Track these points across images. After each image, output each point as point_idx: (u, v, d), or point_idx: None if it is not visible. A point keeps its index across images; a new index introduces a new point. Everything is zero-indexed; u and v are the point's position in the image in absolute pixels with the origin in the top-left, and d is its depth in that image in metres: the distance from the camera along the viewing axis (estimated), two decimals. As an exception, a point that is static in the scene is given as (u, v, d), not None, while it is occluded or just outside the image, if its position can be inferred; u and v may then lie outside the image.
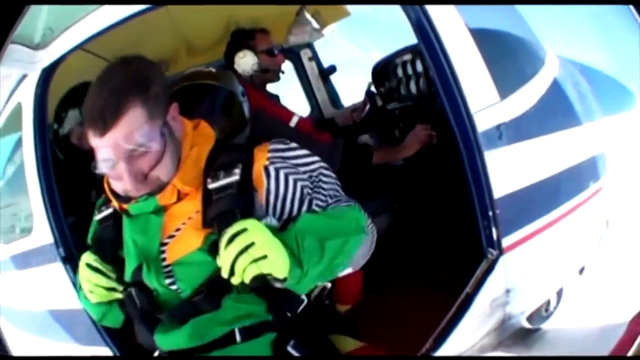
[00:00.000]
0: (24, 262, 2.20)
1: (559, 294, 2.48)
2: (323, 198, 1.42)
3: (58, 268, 2.05)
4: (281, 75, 2.59)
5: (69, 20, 1.90)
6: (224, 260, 1.22)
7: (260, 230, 1.23)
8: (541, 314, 2.43)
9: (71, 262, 2.00)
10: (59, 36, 1.92)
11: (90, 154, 1.60)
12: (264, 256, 1.20)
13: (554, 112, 2.14)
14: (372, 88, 2.73)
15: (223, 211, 1.33)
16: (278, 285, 1.25)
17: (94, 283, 1.43)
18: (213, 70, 2.17)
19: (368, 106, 2.74)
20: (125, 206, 1.43)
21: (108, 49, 2.26)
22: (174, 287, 1.39)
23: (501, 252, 1.87)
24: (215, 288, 1.35)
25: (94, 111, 1.29)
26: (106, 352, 2.04)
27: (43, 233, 2.06)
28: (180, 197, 1.40)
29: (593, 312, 2.15)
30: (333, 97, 3.45)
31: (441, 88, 1.75)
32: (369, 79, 2.73)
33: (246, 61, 2.43)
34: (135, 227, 1.44)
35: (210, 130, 1.51)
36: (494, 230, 1.83)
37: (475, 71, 1.81)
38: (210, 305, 1.36)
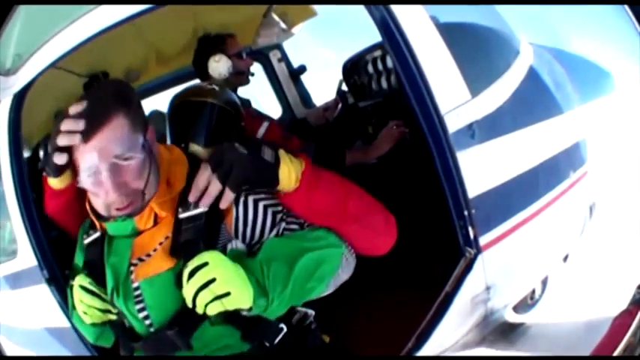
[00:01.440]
0: (14, 282, 2.19)
1: (544, 282, 2.45)
2: (296, 221, 1.39)
3: (45, 289, 2.03)
4: (250, 78, 2.58)
5: (36, 44, 1.85)
6: (186, 294, 1.21)
7: (221, 265, 1.21)
8: (526, 303, 2.40)
9: (56, 283, 1.98)
10: (27, 60, 1.88)
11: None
12: (227, 293, 1.18)
13: (530, 105, 2.09)
14: (344, 87, 2.67)
15: (188, 240, 1.33)
16: (244, 313, 1.23)
17: (88, 305, 1.43)
18: (208, 86, 2.15)
19: (340, 105, 2.68)
20: (104, 225, 1.42)
21: (78, 64, 2.21)
22: (143, 314, 1.38)
23: (479, 250, 1.83)
24: (186, 320, 1.32)
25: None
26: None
27: (27, 256, 2.03)
28: (156, 222, 1.39)
29: (578, 305, 2.11)
30: (305, 97, 3.40)
31: (409, 89, 1.70)
32: (340, 77, 2.67)
33: (221, 65, 2.40)
34: (109, 250, 1.45)
35: (183, 157, 1.48)
36: (470, 230, 1.78)
37: (444, 70, 1.75)
38: (182, 341, 1.32)
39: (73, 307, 1.50)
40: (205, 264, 1.20)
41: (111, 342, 1.55)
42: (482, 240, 1.84)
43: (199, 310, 1.20)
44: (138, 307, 1.38)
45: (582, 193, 2.35)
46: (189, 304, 1.21)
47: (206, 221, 1.34)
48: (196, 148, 1.97)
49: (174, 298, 1.30)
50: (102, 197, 1.31)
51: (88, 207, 1.44)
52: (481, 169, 1.81)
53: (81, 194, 1.47)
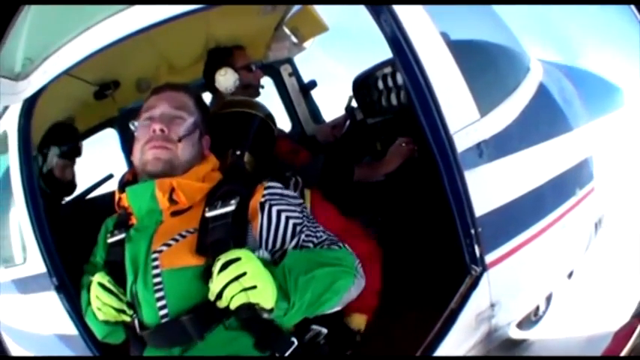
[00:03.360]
0: (24, 287, 2.17)
1: (548, 299, 2.41)
2: (312, 234, 1.45)
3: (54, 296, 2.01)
4: (260, 90, 2.54)
5: (48, 49, 1.83)
6: (215, 285, 1.26)
7: (252, 261, 1.27)
8: (530, 319, 2.36)
9: (64, 291, 1.96)
10: (39, 66, 1.85)
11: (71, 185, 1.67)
12: (254, 287, 1.23)
13: (538, 123, 2.04)
14: (353, 103, 2.64)
15: (218, 239, 1.37)
16: (265, 315, 1.27)
17: (104, 302, 1.44)
18: (249, 99, 2.17)
19: (348, 122, 2.65)
20: (124, 198, 1.51)
21: (90, 72, 2.19)
22: (161, 303, 1.39)
23: (485, 268, 1.79)
24: (204, 312, 1.34)
25: (159, 85, 1.65)
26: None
27: (36, 262, 2.02)
28: (169, 200, 1.46)
29: (580, 321, 2.07)
30: (314, 112, 3.35)
31: (418, 107, 1.66)
32: (350, 92, 2.64)
33: (227, 79, 2.37)
34: (129, 244, 1.49)
35: (217, 168, 1.62)
36: (476, 248, 1.75)
37: (454, 88, 1.72)
38: (195, 329, 1.34)
39: (88, 304, 1.51)
40: (238, 259, 1.26)
41: (118, 340, 1.56)
42: (488, 258, 1.80)
43: (224, 301, 1.25)
44: (157, 295, 1.39)
45: (589, 209, 2.30)
46: (213, 294, 1.26)
47: (234, 219, 1.40)
48: (247, 155, 1.93)
49: (196, 293, 1.34)
50: (147, 133, 1.49)
51: (117, 189, 1.56)
52: (488, 188, 1.77)
53: None
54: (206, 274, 1.31)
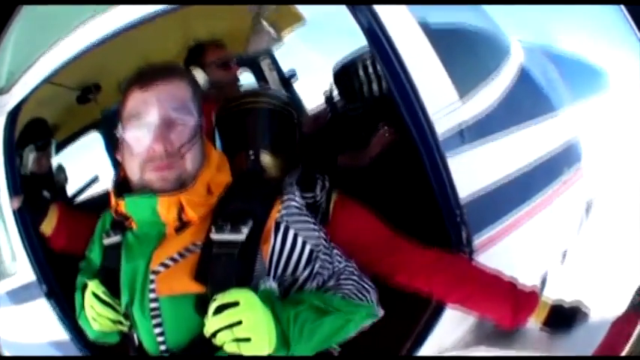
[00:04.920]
0: (17, 298, 2.14)
1: (543, 281, 2.34)
2: (328, 261, 1.29)
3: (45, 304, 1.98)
4: (239, 86, 2.39)
5: (28, 61, 1.80)
6: (208, 327, 1.12)
7: (251, 309, 1.09)
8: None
9: (55, 297, 1.92)
10: (20, 78, 1.83)
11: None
12: (247, 339, 1.09)
13: (521, 105, 1.99)
14: (334, 92, 2.57)
15: (219, 275, 1.17)
16: None
17: (99, 313, 1.31)
18: (258, 89, 1.97)
19: (330, 113, 2.59)
20: (122, 205, 1.27)
21: (69, 77, 2.15)
22: (158, 331, 1.23)
23: (473, 252, 1.73)
24: (202, 347, 1.18)
25: (142, 71, 1.26)
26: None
27: (26, 271, 1.98)
28: (180, 218, 1.24)
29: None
30: (296, 104, 3.26)
31: (396, 94, 1.61)
32: (330, 82, 2.58)
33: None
34: (126, 256, 1.30)
35: (227, 166, 1.36)
36: (463, 232, 1.69)
37: (431, 73, 1.66)
38: None
39: (82, 307, 1.37)
40: (236, 303, 1.10)
41: (114, 340, 1.43)
42: (476, 242, 1.74)
43: (216, 343, 1.12)
44: (154, 321, 1.23)
45: (578, 191, 2.24)
46: (207, 334, 1.12)
47: (241, 251, 1.19)
48: (264, 157, 1.68)
49: (196, 323, 1.16)
50: (143, 150, 1.21)
51: (112, 189, 1.31)
52: (472, 172, 1.71)
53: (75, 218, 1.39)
54: (203, 306, 1.15)
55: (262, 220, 1.22)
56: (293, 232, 1.24)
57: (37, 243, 1.92)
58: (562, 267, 2.17)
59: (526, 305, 1.65)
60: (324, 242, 1.31)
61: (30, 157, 2.16)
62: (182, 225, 1.25)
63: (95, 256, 1.42)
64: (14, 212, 1.91)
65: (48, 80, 1.85)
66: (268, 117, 1.73)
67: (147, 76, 1.24)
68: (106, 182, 2.55)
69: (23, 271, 2.01)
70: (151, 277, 1.22)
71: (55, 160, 2.34)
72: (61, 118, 2.41)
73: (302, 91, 3.17)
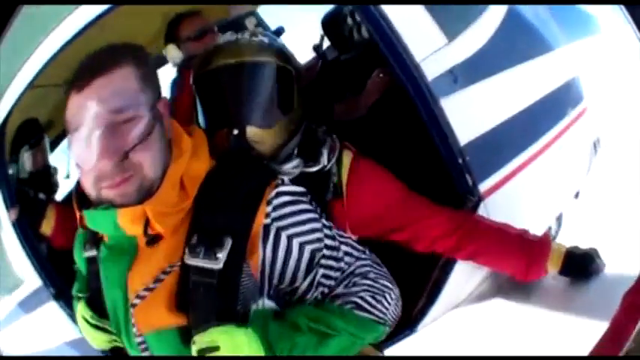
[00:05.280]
0: (27, 307, 2.12)
1: (559, 219, 2.27)
2: (334, 264, 1.08)
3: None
4: None
5: (11, 73, 1.78)
6: None
7: (234, 350, 0.95)
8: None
9: (63, 297, 1.90)
10: (5, 92, 1.80)
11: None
12: None
13: (514, 44, 1.90)
14: (325, 42, 2.47)
15: (198, 308, 0.99)
16: None
17: (93, 337, 1.20)
18: (247, 38, 1.44)
19: (320, 62, 2.50)
20: (84, 220, 1.09)
21: (54, 75, 2.11)
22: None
23: (480, 198, 1.66)
24: None
25: (81, 66, 1.01)
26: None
27: (32, 277, 1.97)
28: (146, 233, 1.03)
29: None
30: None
31: (379, 40, 1.54)
32: (320, 33, 2.48)
33: (171, 57, 2.10)
34: (103, 276, 1.11)
35: (205, 145, 1.11)
36: (468, 178, 1.62)
37: (413, 16, 1.59)
38: None
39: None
40: (216, 348, 0.95)
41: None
42: (483, 187, 1.67)
43: None
44: (145, 353, 1.08)
45: (584, 130, 2.17)
46: None
47: (220, 281, 0.98)
48: (251, 131, 1.35)
49: (189, 351, 1.00)
50: (90, 168, 0.98)
51: (74, 194, 1.11)
52: (470, 114, 1.64)
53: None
54: (188, 339, 0.99)
55: (245, 231, 1.00)
56: (286, 237, 1.03)
57: (38, 248, 1.90)
58: (577, 202, 2.10)
59: (539, 255, 1.55)
60: (327, 240, 1.08)
61: (25, 157, 2.14)
62: (154, 237, 1.04)
63: (80, 265, 1.25)
64: (13, 225, 1.90)
65: (31, 85, 1.81)
66: (253, 76, 1.37)
67: (83, 72, 1.00)
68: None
69: (29, 279, 1.99)
70: (131, 310, 1.06)
71: (53, 158, 2.30)
72: (53, 114, 2.36)
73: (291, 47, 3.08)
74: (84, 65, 1.02)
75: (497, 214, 1.72)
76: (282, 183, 1.08)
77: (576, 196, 2.15)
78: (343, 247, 1.12)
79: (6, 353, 1.64)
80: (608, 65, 2.43)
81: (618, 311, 1.17)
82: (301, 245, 1.04)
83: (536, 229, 2.07)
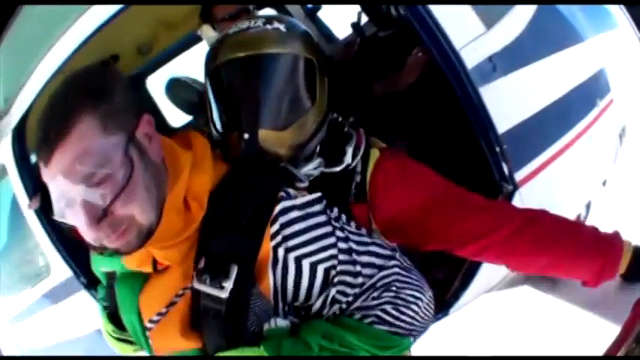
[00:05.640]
0: (55, 297, 2.13)
1: (587, 206, 2.27)
2: (350, 279, 0.98)
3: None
4: None
5: (20, 80, 1.75)
6: None
7: None
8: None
9: (94, 286, 1.89)
10: (16, 98, 1.79)
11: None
12: None
13: (548, 33, 1.89)
14: (363, 18, 2.42)
15: (209, 333, 0.97)
16: None
17: (120, 347, 1.21)
18: (273, 28, 1.21)
19: (359, 39, 2.45)
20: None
21: (86, 58, 2.07)
22: None
23: (516, 186, 1.66)
24: None
25: (40, 132, 0.90)
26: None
27: (61, 269, 1.98)
28: (156, 269, 1.00)
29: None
30: (326, 34, 3.02)
31: (419, 28, 1.53)
32: (358, 10, 2.41)
33: (207, 37, 2.00)
34: (119, 297, 1.09)
35: (208, 156, 1.01)
36: (504, 166, 1.62)
37: (452, 4, 1.58)
38: None
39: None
40: None
41: None
42: (518, 175, 1.67)
43: None
44: None
45: (611, 120, 2.16)
46: None
47: (229, 307, 0.94)
48: (265, 135, 1.18)
49: None
50: (84, 233, 0.92)
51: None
52: (508, 103, 1.64)
53: None
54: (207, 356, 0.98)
55: (251, 257, 0.95)
56: (295, 258, 0.96)
57: (67, 239, 1.90)
58: (604, 189, 2.10)
59: (612, 259, 1.27)
60: (342, 255, 0.99)
61: None
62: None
63: (99, 276, 1.21)
64: (38, 216, 1.89)
65: (47, 85, 1.79)
66: (265, 70, 1.19)
67: (44, 142, 0.89)
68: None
69: (58, 270, 2.00)
70: (147, 333, 1.05)
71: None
72: None
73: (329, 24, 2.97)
74: (42, 131, 0.90)
75: (532, 203, 1.72)
76: (288, 196, 0.99)
77: (604, 184, 2.15)
78: (363, 258, 1.01)
79: (6, 353, 1.63)
80: (629, 58, 2.42)
81: (630, 317, 1.14)
82: (312, 265, 0.97)
83: (567, 216, 2.09)
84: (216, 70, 1.22)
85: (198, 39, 2.27)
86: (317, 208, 1.00)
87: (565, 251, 1.25)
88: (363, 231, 1.05)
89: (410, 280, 1.03)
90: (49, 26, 1.68)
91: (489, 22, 1.63)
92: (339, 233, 0.99)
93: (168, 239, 0.95)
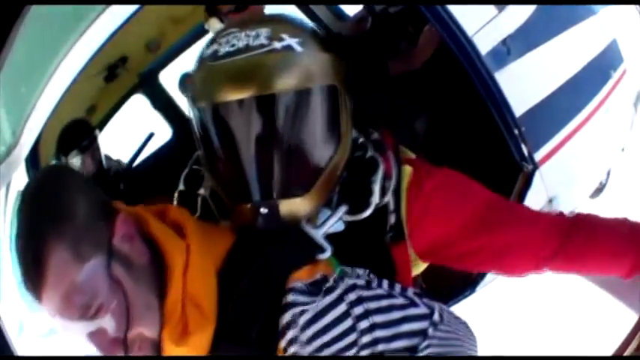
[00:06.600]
0: None
1: (607, 173, 2.26)
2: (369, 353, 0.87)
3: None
4: None
5: (25, 112, 1.74)
6: None
7: None
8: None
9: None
10: (24, 129, 1.77)
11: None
12: None
13: (559, 9, 1.86)
14: None
15: None
16: None
17: None
18: (282, 46, 0.90)
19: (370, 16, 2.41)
20: None
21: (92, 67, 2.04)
22: None
23: (535, 166, 1.65)
24: None
25: (20, 267, 0.83)
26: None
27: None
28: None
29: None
30: (336, 11, 2.84)
31: (431, 18, 1.51)
32: None
33: (214, 30, 1.77)
34: None
35: (196, 234, 0.88)
36: (523, 147, 1.61)
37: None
38: None
39: None
40: None
41: None
42: (537, 155, 1.66)
43: None
44: None
45: (626, 90, 2.13)
46: None
47: None
48: (288, 203, 0.94)
49: None
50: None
51: None
52: (524, 85, 1.62)
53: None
54: None
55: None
56: (312, 350, 0.85)
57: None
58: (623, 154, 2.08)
59: None
60: (365, 336, 0.86)
61: (73, 163, 2.11)
62: None
63: None
64: None
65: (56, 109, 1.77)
66: (282, 119, 0.90)
67: (29, 282, 0.82)
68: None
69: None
70: None
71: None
72: (95, 99, 2.35)
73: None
74: (21, 265, 0.83)
75: (552, 180, 1.72)
76: (296, 289, 0.86)
77: (622, 150, 2.14)
78: (393, 345, 0.87)
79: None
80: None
81: None
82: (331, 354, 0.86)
83: (589, 187, 2.07)
84: (209, 113, 0.92)
85: (206, 31, 2.25)
86: (335, 295, 0.86)
87: (609, 253, 1.09)
88: (397, 292, 0.90)
89: (448, 337, 0.91)
90: (50, 46, 1.64)
91: (500, 4, 1.61)
92: (362, 325, 0.86)
93: (181, 335, 0.86)
